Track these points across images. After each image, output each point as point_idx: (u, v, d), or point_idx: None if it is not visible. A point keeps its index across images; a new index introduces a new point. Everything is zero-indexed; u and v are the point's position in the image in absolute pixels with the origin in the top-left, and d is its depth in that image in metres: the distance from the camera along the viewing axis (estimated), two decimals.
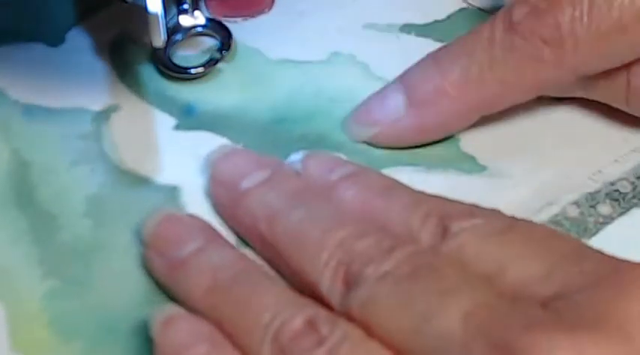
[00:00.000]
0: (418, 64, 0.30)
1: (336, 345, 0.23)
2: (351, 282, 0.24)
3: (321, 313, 0.24)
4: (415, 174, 0.30)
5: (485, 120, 0.30)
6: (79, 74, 0.32)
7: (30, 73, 0.33)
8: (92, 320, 0.27)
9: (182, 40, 0.33)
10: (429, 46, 0.32)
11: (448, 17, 0.34)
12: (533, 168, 0.29)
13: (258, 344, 0.24)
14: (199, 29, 0.33)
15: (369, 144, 0.30)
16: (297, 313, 0.24)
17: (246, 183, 0.27)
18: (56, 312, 0.27)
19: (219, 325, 0.25)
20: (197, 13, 0.33)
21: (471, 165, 0.30)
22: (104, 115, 0.31)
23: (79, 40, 0.33)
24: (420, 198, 0.26)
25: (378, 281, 0.24)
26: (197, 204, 0.29)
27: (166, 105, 0.32)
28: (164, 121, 0.31)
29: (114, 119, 0.31)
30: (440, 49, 0.30)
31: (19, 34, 0.33)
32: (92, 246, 0.28)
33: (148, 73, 0.32)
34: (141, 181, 0.30)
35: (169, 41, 0.32)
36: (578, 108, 0.31)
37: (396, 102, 0.30)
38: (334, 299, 0.24)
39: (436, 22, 0.34)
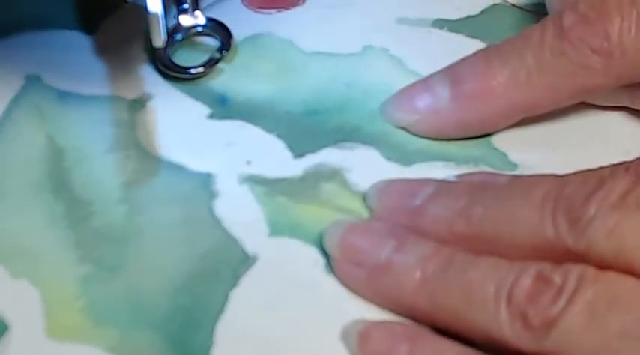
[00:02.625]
0: (467, 60, 0.31)
1: (576, 288, 0.23)
2: (578, 221, 0.24)
3: (545, 265, 0.24)
4: (446, 170, 0.30)
5: None
6: (114, 62, 0.33)
7: (65, 59, 0.33)
8: (126, 306, 0.27)
9: (182, 40, 0.33)
10: (462, 41, 0.33)
11: (482, 13, 0.34)
12: (565, 167, 0.28)
13: (493, 315, 0.24)
14: (199, 29, 0.34)
15: (402, 137, 0.30)
16: (522, 273, 0.24)
17: (418, 201, 0.28)
18: (90, 298, 0.27)
19: (438, 314, 0.25)
20: (197, 13, 0.33)
21: (502, 161, 0.30)
22: (139, 103, 0.32)
23: (114, 28, 0.33)
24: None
25: (614, 208, 0.24)
26: (231, 191, 0.29)
27: (200, 94, 0.32)
28: (198, 110, 0.31)
29: (149, 107, 0.31)
30: (490, 48, 0.31)
31: (55, 20, 0.34)
32: (126, 233, 0.29)
33: (182, 62, 0.32)
34: (175, 168, 0.30)
35: (169, 41, 0.32)
36: (610, 110, 0.31)
37: (441, 93, 0.30)
38: (569, 240, 0.24)
39: (469, 17, 0.34)
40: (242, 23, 0.34)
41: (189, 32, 0.34)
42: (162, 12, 0.28)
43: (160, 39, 0.29)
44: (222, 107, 0.32)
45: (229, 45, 0.33)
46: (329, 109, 0.31)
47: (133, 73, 0.32)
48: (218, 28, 0.34)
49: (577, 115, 0.31)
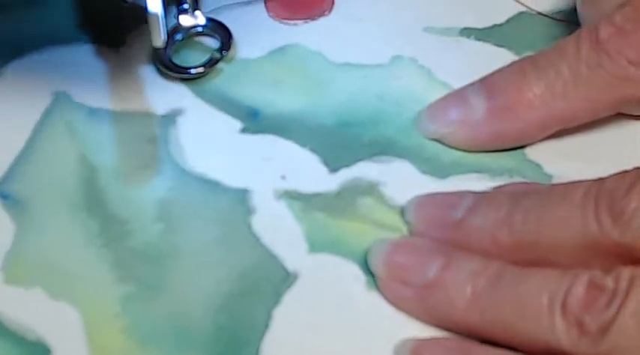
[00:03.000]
0: (502, 71, 0.31)
1: (628, 289, 0.24)
2: (622, 214, 0.25)
3: (596, 272, 0.25)
4: (481, 182, 0.30)
5: None
6: (142, 76, 0.32)
7: (91, 75, 0.33)
8: (169, 325, 0.27)
9: (182, 40, 0.33)
10: (490, 51, 0.33)
11: (507, 21, 0.34)
12: (600, 177, 0.29)
13: (549, 325, 0.25)
14: (199, 29, 0.34)
15: (436, 150, 0.31)
16: (574, 281, 0.25)
17: (458, 214, 0.28)
18: (132, 317, 0.27)
19: (490, 329, 0.26)
20: (197, 13, 0.34)
21: (536, 173, 0.30)
22: (170, 119, 0.31)
23: (140, 42, 0.33)
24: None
25: None
26: (268, 207, 0.29)
27: (231, 108, 0.32)
28: (230, 124, 0.31)
29: (180, 123, 0.31)
30: (525, 60, 0.31)
31: (79, 35, 0.33)
32: (164, 251, 0.29)
33: (211, 76, 0.32)
34: (210, 185, 0.30)
35: (169, 41, 0.33)
36: None
37: (476, 105, 0.30)
38: (615, 234, 0.25)
39: (496, 25, 0.34)
40: (269, 35, 0.33)
41: (189, 32, 0.34)
42: (163, 12, 0.29)
43: (159, 39, 0.29)
44: (254, 121, 0.31)
45: (229, 45, 0.33)
46: (362, 122, 0.31)
47: (162, 88, 0.32)
48: (218, 28, 0.34)
49: (610, 126, 0.31)
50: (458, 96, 0.31)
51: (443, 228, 0.28)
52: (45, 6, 0.34)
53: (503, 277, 0.26)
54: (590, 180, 0.27)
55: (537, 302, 0.25)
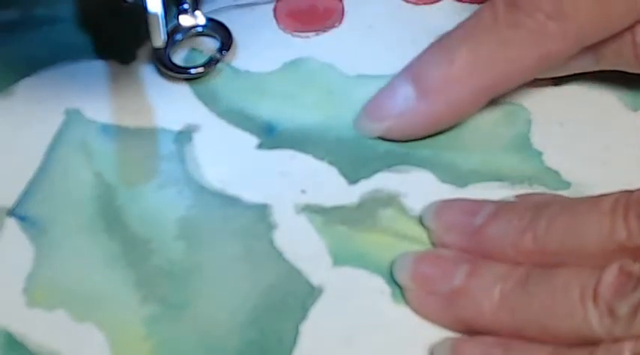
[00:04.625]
0: (424, 52, 0.31)
1: None
2: None
3: (625, 260, 0.25)
4: (501, 190, 0.30)
5: (568, 132, 0.31)
6: (154, 92, 0.32)
7: (104, 91, 0.32)
8: (197, 344, 0.27)
9: (182, 40, 0.33)
10: None
11: None
12: (618, 183, 0.28)
13: (582, 318, 0.25)
14: (199, 29, 0.34)
15: (454, 158, 0.30)
16: (604, 271, 0.25)
17: (479, 220, 0.28)
18: (159, 338, 0.27)
19: (522, 329, 0.25)
20: (197, 13, 0.34)
21: (555, 180, 0.30)
22: (186, 135, 0.31)
23: (152, 58, 0.33)
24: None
25: None
26: (289, 222, 0.29)
27: (246, 123, 0.32)
28: (246, 140, 0.31)
29: (196, 139, 0.31)
30: (444, 36, 0.31)
31: (89, 51, 0.33)
32: (188, 269, 0.28)
33: (224, 91, 0.32)
34: (229, 201, 0.30)
35: (169, 41, 0.33)
36: None
37: (405, 94, 0.30)
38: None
39: None
40: (280, 48, 0.33)
41: (189, 32, 0.34)
42: (162, 12, 0.29)
43: (159, 39, 0.29)
44: (270, 136, 0.31)
45: (229, 45, 0.33)
46: None
47: (176, 104, 0.32)
48: (218, 28, 0.34)
49: (630, 132, 0.31)
50: (388, 89, 0.31)
51: (464, 234, 0.28)
52: (54, 24, 0.34)
53: (530, 278, 0.26)
54: (618, 192, 0.27)
55: (569, 296, 0.25)
